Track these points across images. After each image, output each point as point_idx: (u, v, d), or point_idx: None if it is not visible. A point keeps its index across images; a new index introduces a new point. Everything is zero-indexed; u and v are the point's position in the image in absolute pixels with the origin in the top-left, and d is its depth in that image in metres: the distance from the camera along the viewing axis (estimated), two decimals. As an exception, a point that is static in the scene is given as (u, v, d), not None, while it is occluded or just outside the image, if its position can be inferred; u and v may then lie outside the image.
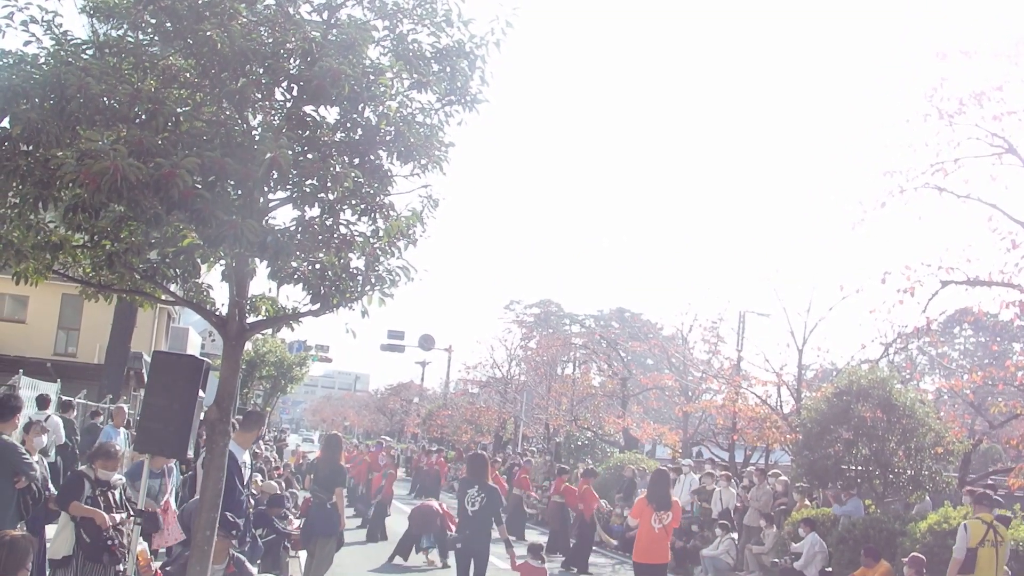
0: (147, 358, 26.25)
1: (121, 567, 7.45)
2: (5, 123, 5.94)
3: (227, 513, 7.77)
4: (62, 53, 5.96)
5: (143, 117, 5.98)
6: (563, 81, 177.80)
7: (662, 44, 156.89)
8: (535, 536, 18.05)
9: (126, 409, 16.57)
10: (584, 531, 17.06)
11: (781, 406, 20.41)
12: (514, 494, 22.13)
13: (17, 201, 6.06)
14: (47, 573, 7.31)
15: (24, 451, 7.61)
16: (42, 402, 14.27)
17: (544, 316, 68.73)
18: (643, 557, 10.51)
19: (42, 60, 5.94)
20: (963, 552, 9.92)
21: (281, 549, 11.48)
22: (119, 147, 5.39)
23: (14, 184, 5.93)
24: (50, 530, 8.00)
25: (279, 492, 12.18)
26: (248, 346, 33.71)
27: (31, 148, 5.87)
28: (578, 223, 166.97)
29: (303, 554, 11.48)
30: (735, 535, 16.38)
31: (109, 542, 7.20)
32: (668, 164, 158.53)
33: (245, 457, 9.07)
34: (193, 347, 30.62)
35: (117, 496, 7.55)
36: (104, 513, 7.36)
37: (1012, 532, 10.79)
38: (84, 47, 6.17)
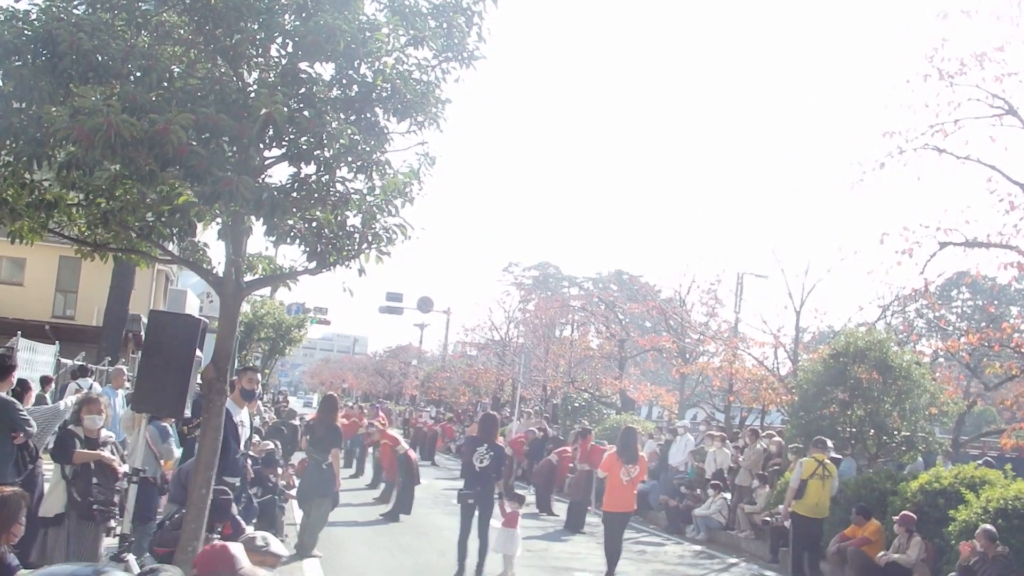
0: (145, 320, 26.24)
1: (113, 524, 7.49)
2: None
3: (221, 496, 7.66)
4: (54, 9, 5.89)
5: (137, 74, 5.94)
6: (562, 42, 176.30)
7: (662, 3, 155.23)
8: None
9: (125, 371, 16.63)
10: (580, 492, 17.20)
11: (778, 368, 20.50)
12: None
13: (11, 159, 6.03)
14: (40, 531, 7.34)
15: (21, 407, 7.64)
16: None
17: (542, 278, 68.84)
18: (612, 507, 11.47)
19: (33, 16, 5.89)
20: (797, 482, 12.63)
21: (277, 509, 11.56)
22: (112, 103, 5.36)
23: (7, 142, 5.89)
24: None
25: (272, 450, 12.21)
26: (246, 308, 33.75)
27: (24, 105, 5.83)
28: (577, 185, 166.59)
29: (299, 514, 11.58)
30: (728, 495, 16.54)
31: (94, 505, 7.23)
32: (668, 126, 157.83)
33: (243, 416, 9.05)
34: (191, 309, 30.66)
35: (108, 453, 7.57)
36: (112, 456, 7.43)
37: (1002, 492, 10.97)
38: (76, 3, 6.10)
